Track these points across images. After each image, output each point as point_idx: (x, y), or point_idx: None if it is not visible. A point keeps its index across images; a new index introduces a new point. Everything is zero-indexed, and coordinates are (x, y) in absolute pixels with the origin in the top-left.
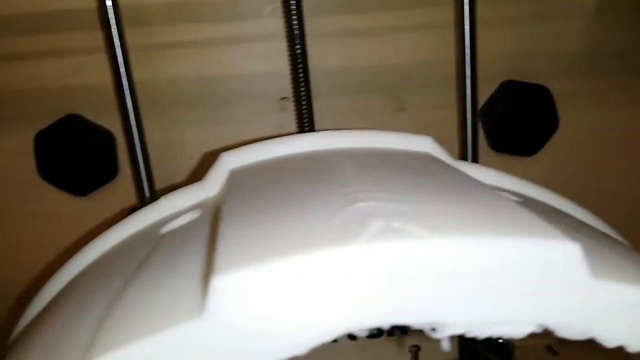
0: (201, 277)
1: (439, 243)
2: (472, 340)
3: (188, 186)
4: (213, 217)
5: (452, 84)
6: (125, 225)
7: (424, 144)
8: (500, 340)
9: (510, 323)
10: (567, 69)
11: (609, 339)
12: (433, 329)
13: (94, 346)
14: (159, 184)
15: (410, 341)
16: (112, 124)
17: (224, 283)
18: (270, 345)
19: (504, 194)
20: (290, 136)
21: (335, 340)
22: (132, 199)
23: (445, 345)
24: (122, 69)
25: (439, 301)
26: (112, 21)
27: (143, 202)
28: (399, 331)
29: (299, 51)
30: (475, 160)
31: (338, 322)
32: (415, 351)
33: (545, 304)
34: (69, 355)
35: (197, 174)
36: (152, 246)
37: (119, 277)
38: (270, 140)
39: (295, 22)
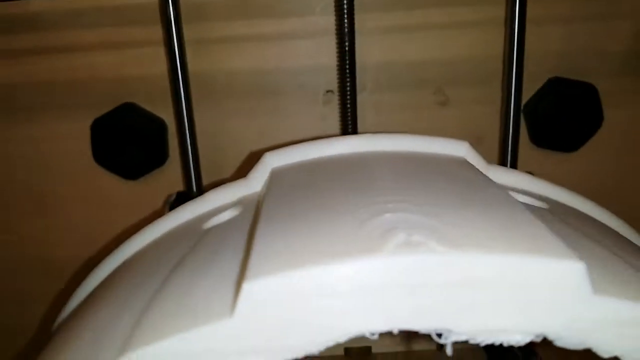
0: (235, 280)
1: (452, 259)
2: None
3: (232, 182)
4: (253, 217)
5: (496, 81)
6: (172, 217)
7: (460, 149)
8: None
9: (512, 332)
10: (614, 68)
11: (605, 351)
12: (439, 335)
13: (131, 339)
14: (205, 171)
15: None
16: (164, 112)
17: (253, 288)
18: (288, 345)
19: (530, 200)
20: (331, 138)
21: None
22: (179, 184)
23: (449, 351)
24: (178, 61)
25: (447, 311)
26: (171, 15)
27: (190, 188)
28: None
29: (347, 46)
30: (514, 156)
31: (352, 326)
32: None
33: (546, 316)
34: (108, 346)
35: (243, 171)
36: (195, 240)
37: (161, 270)
38: (311, 142)
39: (345, 18)
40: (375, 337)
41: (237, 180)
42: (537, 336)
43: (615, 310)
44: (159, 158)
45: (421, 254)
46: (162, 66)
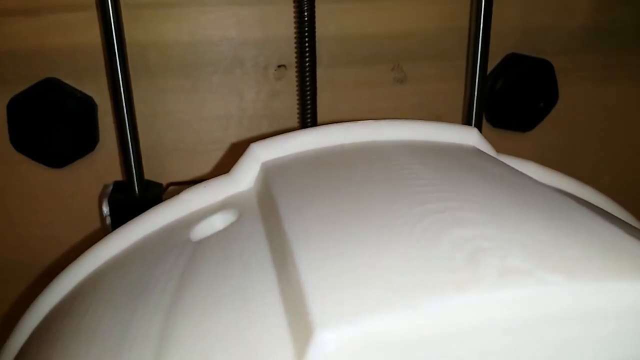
0: (288, 320)
1: (573, 290)
2: None
3: (212, 179)
4: (266, 226)
5: (456, 57)
6: (143, 222)
7: (469, 137)
8: None
9: None
10: (570, 45)
11: None
12: None
13: None
14: (143, 158)
15: None
16: (93, 89)
17: (327, 339)
18: None
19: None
20: (327, 126)
21: None
22: (113, 172)
23: None
24: (113, 28)
25: (556, 348)
26: None
27: (129, 177)
28: None
29: (306, 16)
30: None
31: None
32: None
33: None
34: None
35: (223, 166)
36: (188, 255)
37: (159, 295)
38: (304, 130)
39: None
40: None
41: (219, 177)
42: None
43: None
44: (88, 142)
45: (534, 287)
46: (91, 35)
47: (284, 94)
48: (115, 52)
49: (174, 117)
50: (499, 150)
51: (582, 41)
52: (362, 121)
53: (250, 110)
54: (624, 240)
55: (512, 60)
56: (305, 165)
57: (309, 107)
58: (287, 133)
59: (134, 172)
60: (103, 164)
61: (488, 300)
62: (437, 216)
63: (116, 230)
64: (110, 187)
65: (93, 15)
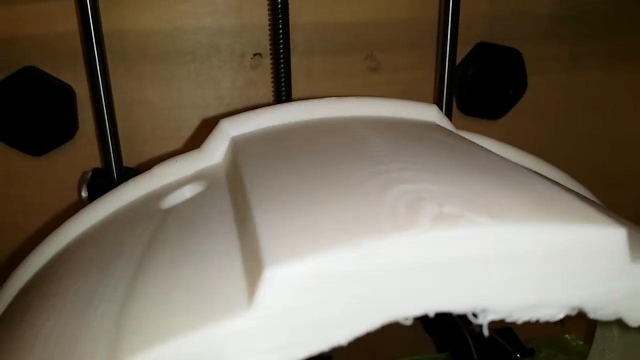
0: (240, 265)
1: (497, 231)
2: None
3: (184, 154)
4: (232, 192)
5: (428, 46)
6: (117, 196)
7: (430, 113)
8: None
9: (549, 307)
10: (541, 33)
11: (635, 319)
12: (475, 315)
13: (121, 342)
14: (122, 145)
15: None
16: (71, 78)
17: (276, 275)
18: (318, 337)
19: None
20: (293, 103)
21: None
22: (92, 160)
23: (486, 331)
24: (91, 17)
25: (485, 288)
26: None
27: (108, 163)
28: None
29: (280, 4)
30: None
31: (389, 311)
32: None
33: (585, 288)
34: (91, 352)
35: (193, 143)
36: (157, 222)
37: (127, 257)
38: (271, 107)
39: None
40: (409, 322)
41: (190, 152)
42: (572, 309)
43: None
44: (67, 130)
45: (464, 228)
46: (68, 23)
47: (260, 82)
48: (92, 41)
49: (151, 104)
50: None
51: (550, 30)
52: (327, 98)
53: (227, 98)
54: (556, 192)
55: (482, 49)
56: (270, 139)
57: (284, 94)
58: (255, 109)
59: (112, 159)
60: (82, 152)
61: (422, 239)
62: (386, 175)
63: (92, 203)
64: (90, 174)
65: (70, 4)
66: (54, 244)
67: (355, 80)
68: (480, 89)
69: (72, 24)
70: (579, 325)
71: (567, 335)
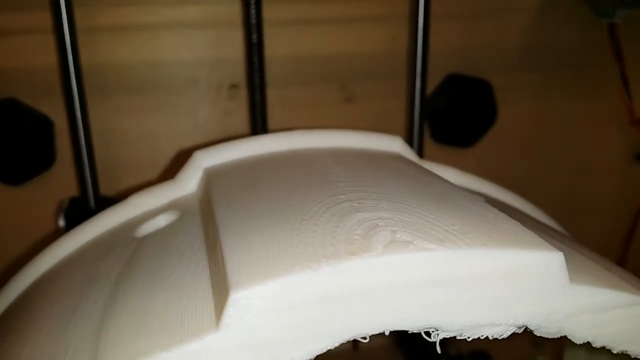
0: (209, 289)
1: (444, 255)
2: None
3: (159, 185)
4: (203, 221)
5: (400, 77)
6: (94, 225)
7: (394, 144)
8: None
9: (497, 326)
10: (511, 64)
11: (579, 337)
12: (427, 333)
13: None
14: (100, 174)
15: None
16: (50, 109)
17: (241, 298)
18: (280, 356)
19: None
20: (264, 135)
21: None
22: (69, 189)
23: (438, 349)
24: (69, 51)
25: (436, 308)
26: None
27: (85, 192)
28: None
29: (255, 38)
30: (420, 150)
31: (346, 331)
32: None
33: (529, 306)
34: None
35: (169, 172)
36: (131, 250)
37: (103, 284)
38: (243, 139)
39: (252, 8)
40: (366, 340)
41: (165, 182)
42: (519, 328)
43: (589, 297)
44: (45, 160)
45: (413, 253)
46: (47, 57)
47: (237, 112)
48: (71, 73)
49: (129, 134)
50: (442, 162)
51: (521, 60)
52: (297, 130)
53: (203, 128)
54: (503, 220)
55: (452, 81)
56: (241, 170)
57: (259, 124)
58: (228, 141)
59: (89, 187)
60: (60, 181)
61: (374, 263)
62: (346, 204)
63: (69, 232)
64: (67, 203)
65: (50, 38)
66: (31, 273)
67: (330, 110)
68: (451, 118)
69: (51, 57)
70: (554, 346)
71: (540, 357)
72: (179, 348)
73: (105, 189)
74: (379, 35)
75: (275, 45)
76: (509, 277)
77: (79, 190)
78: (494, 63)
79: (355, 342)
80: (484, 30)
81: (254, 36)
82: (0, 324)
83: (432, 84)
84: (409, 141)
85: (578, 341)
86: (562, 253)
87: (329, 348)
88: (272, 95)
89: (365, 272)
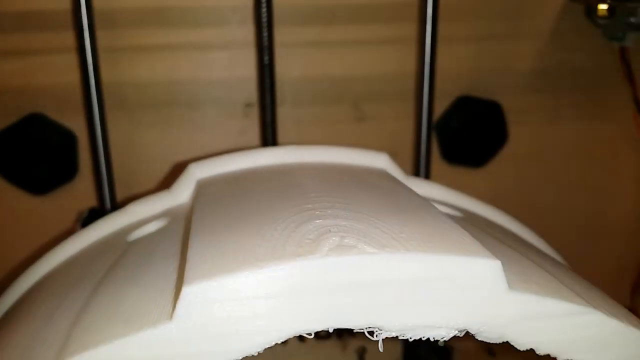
0: (171, 287)
1: (381, 258)
2: (415, 343)
3: (155, 194)
4: (184, 227)
5: (411, 97)
6: (92, 230)
7: (380, 160)
8: (441, 344)
9: (438, 328)
10: (521, 86)
11: (521, 343)
12: (371, 332)
13: (67, 347)
14: (118, 187)
15: (356, 343)
16: (74, 124)
17: (191, 292)
18: (229, 347)
19: (446, 209)
20: (255, 150)
21: (284, 342)
22: (91, 200)
23: (380, 347)
24: (91, 69)
25: (378, 309)
26: (85, 22)
27: (102, 203)
28: (346, 333)
29: (267, 62)
30: (427, 169)
31: (290, 326)
32: (361, 353)
33: (468, 311)
34: (42, 357)
35: (166, 183)
36: (120, 252)
37: (88, 282)
38: (235, 153)
39: (264, 30)
40: (311, 336)
41: (160, 192)
42: (460, 331)
43: (529, 304)
44: (68, 172)
45: (353, 256)
46: (72, 75)
47: (251, 130)
48: (92, 91)
49: (147, 149)
50: (453, 183)
51: (531, 83)
52: (287, 146)
53: (219, 145)
54: (454, 230)
55: (463, 102)
56: (228, 182)
57: (270, 142)
58: (221, 155)
59: (107, 198)
60: (81, 192)
61: (316, 265)
62: (309, 212)
63: (71, 236)
64: (86, 213)
65: (74, 57)
66: (38, 270)
67: (342, 129)
68: (462, 139)
69: (75, 75)
70: None
71: None
72: (134, 336)
73: (123, 201)
74: (391, 56)
75: (290, 66)
76: (447, 281)
77: (97, 201)
78: (505, 85)
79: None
80: (496, 53)
81: (266, 57)
82: (2, 320)
83: (444, 105)
84: (417, 160)
85: (521, 347)
86: (499, 261)
87: (274, 343)
88: (287, 114)
89: (309, 272)
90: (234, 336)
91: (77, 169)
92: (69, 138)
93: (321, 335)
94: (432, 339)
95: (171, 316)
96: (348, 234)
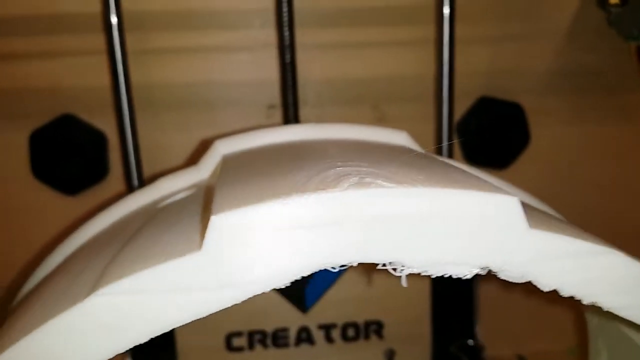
0: (200, 221)
1: (401, 192)
2: (445, 343)
3: (183, 169)
4: (206, 190)
5: (429, 99)
6: (124, 203)
7: (400, 138)
8: (471, 344)
9: (459, 265)
10: (541, 87)
11: (544, 284)
12: (394, 269)
13: (102, 279)
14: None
15: (385, 345)
16: (104, 124)
17: (220, 221)
18: (257, 277)
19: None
20: (279, 126)
21: (312, 342)
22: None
23: (404, 283)
24: (121, 72)
25: (399, 244)
26: (115, 23)
27: None
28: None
29: (288, 61)
30: None
31: (314, 259)
32: (390, 356)
33: (489, 249)
34: (81, 287)
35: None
36: (151, 214)
37: (121, 238)
38: (258, 130)
39: (286, 33)
40: (336, 270)
41: (188, 168)
42: (482, 269)
43: (551, 244)
44: (99, 172)
45: (372, 189)
46: (103, 76)
47: None
48: (122, 92)
49: (175, 149)
50: None
51: (550, 83)
52: (310, 123)
53: None
54: (473, 178)
55: (483, 103)
56: (252, 154)
57: None
58: (245, 132)
59: None
60: (112, 192)
61: (336, 197)
62: (329, 164)
63: (108, 207)
64: None
65: (104, 59)
66: (78, 237)
67: None
68: (483, 140)
69: (105, 77)
70: None
71: None
72: (164, 264)
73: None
74: (410, 58)
75: (312, 68)
76: (467, 217)
77: None
78: (525, 86)
79: None
80: (514, 53)
81: (287, 56)
82: (44, 278)
83: (464, 106)
84: None
85: (544, 288)
86: (517, 198)
87: (300, 275)
88: (308, 114)
89: (330, 205)
90: (259, 267)
91: (107, 169)
92: (100, 138)
93: (350, 337)
94: (454, 277)
95: (200, 246)
96: (367, 176)
